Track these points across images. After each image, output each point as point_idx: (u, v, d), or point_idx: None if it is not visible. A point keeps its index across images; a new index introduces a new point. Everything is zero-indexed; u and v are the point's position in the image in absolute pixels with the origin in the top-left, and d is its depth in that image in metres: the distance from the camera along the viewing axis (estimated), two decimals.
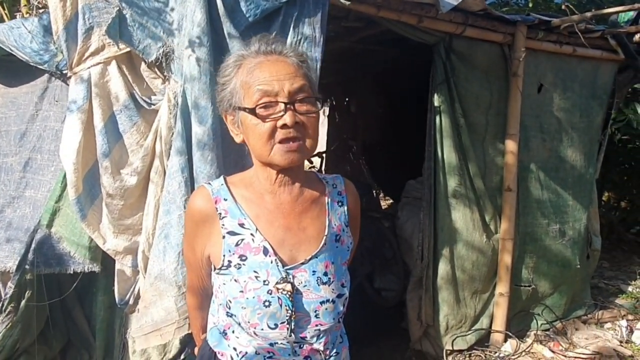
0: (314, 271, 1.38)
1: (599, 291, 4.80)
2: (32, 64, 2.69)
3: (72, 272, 2.67)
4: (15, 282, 2.63)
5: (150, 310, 2.52)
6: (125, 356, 2.76)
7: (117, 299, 2.71)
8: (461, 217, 3.54)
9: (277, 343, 1.40)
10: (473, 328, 3.70)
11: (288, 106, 1.28)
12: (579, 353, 3.59)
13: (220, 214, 1.41)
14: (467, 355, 3.63)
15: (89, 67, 2.44)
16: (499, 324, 3.70)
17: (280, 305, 1.35)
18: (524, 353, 3.59)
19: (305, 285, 1.37)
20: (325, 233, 1.41)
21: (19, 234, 2.88)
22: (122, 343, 2.78)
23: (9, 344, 2.66)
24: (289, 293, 1.35)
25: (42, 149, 2.93)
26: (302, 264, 1.38)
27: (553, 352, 3.59)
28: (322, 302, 1.39)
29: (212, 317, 1.55)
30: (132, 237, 2.66)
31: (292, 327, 1.37)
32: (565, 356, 3.56)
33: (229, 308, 1.40)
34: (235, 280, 1.37)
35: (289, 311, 1.36)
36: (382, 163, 6.23)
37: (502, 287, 3.67)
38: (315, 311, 1.39)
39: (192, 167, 2.45)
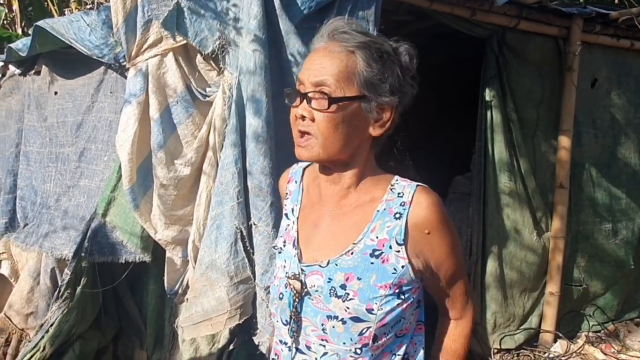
0: (330, 278, 1.21)
1: None
2: (91, 56, 2.74)
3: (123, 261, 2.71)
4: (72, 269, 2.70)
5: (200, 300, 2.55)
6: (175, 345, 2.80)
7: (166, 289, 2.76)
8: (511, 214, 3.47)
9: (286, 344, 1.31)
10: (522, 327, 3.63)
11: (302, 98, 1.19)
12: (632, 356, 3.49)
13: (287, 193, 1.42)
14: (515, 355, 3.57)
15: (146, 59, 2.48)
16: (549, 323, 3.63)
17: (289, 302, 1.28)
18: (574, 354, 3.50)
19: (317, 291, 1.23)
20: (355, 241, 1.21)
21: (74, 222, 2.96)
22: (172, 332, 2.82)
23: (65, 329, 2.73)
24: (296, 291, 1.25)
25: (97, 139, 2.99)
26: (320, 266, 1.23)
27: (605, 354, 3.50)
28: (329, 317, 1.21)
29: None
30: (182, 228, 2.69)
31: (294, 328, 1.27)
32: (617, 359, 3.46)
33: None
34: (277, 266, 1.36)
35: (290, 311, 1.27)
36: (426, 158, 6.16)
37: (553, 286, 3.58)
38: (322, 324, 1.23)
39: (245, 159, 2.47)
